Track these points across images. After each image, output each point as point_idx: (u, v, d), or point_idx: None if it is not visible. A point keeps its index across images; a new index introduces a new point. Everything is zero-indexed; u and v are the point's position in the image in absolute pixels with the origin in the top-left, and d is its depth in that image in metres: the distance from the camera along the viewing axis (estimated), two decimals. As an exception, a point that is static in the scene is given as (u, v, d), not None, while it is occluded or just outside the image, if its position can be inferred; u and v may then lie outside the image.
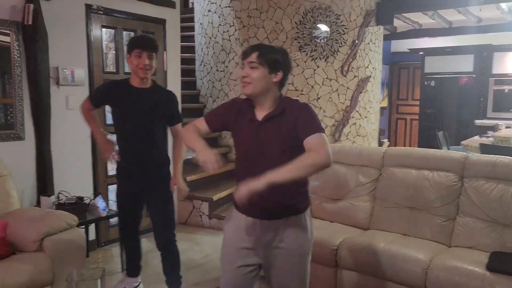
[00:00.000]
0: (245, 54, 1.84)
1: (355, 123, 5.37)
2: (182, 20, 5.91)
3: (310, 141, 1.73)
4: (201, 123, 1.96)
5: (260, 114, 1.85)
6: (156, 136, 2.70)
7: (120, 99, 2.67)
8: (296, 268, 1.93)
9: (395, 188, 3.10)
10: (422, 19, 7.18)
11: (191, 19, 6.13)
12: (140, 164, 2.70)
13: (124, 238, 3.00)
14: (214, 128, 1.96)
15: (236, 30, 5.18)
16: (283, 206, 1.87)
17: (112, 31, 3.89)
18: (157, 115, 2.66)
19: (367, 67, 5.43)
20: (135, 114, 2.63)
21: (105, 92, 2.77)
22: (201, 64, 5.70)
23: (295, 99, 1.92)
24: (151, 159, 2.71)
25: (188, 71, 5.83)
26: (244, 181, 1.70)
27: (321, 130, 1.79)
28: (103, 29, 3.79)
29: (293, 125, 1.80)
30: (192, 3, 7.06)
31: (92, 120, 2.84)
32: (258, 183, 1.64)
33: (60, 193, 3.28)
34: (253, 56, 1.80)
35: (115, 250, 3.78)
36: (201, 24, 5.65)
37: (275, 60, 1.81)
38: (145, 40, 2.65)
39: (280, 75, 1.83)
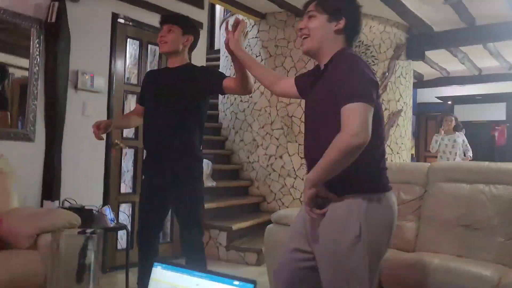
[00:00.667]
0: (305, 6, 1.62)
1: (386, 158, 5.00)
2: (208, 60, 5.89)
3: (343, 115, 1.39)
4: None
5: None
6: (181, 120, 2.29)
7: (150, 85, 2.44)
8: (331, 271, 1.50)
9: (444, 205, 2.69)
10: (451, 65, 7.03)
11: (217, 59, 6.10)
12: (160, 153, 2.32)
13: (141, 245, 2.50)
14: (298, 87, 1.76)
15: (262, 60, 5.06)
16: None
17: (137, 42, 3.79)
18: (183, 95, 2.28)
19: (398, 101, 5.18)
20: (156, 96, 2.34)
21: (142, 87, 2.57)
22: (224, 97, 5.55)
23: (349, 52, 1.55)
24: (173, 147, 2.28)
25: (211, 105, 5.67)
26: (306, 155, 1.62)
27: (357, 96, 1.38)
28: (128, 40, 3.68)
29: (333, 82, 1.47)
30: (218, 45, 7.12)
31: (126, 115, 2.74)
32: (305, 194, 1.44)
33: (66, 200, 2.96)
34: (312, 5, 1.57)
35: (121, 277, 3.36)
36: (226, 56, 5.58)
37: (335, 4, 1.56)
38: (165, 14, 2.54)
39: (342, 23, 1.54)
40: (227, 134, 5.41)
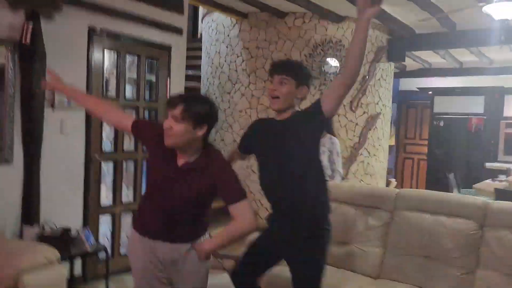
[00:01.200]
0: (170, 105, 1.79)
1: (363, 161, 5.15)
2: (190, 49, 5.83)
3: (235, 209, 1.81)
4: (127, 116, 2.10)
5: (180, 161, 1.85)
6: (299, 172, 2.09)
7: (261, 136, 2.23)
8: None
9: (408, 234, 2.84)
10: (433, 58, 7.09)
11: (199, 49, 6.05)
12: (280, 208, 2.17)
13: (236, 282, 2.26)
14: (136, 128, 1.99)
15: (243, 61, 5.06)
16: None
17: (115, 55, 3.75)
18: (297, 145, 2.09)
19: (377, 103, 5.26)
20: (270, 151, 2.15)
21: (250, 134, 2.34)
22: (206, 94, 5.55)
23: (217, 151, 1.91)
24: (292, 202, 2.10)
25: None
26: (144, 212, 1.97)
27: (244, 195, 1.83)
28: (106, 53, 3.65)
29: (211, 183, 1.83)
30: (201, 34, 7.02)
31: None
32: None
33: (45, 223, 3.03)
34: (179, 110, 1.76)
35: (102, 287, 3.49)
36: (208, 53, 5.55)
37: (199, 114, 1.77)
38: (277, 62, 2.20)
39: (205, 128, 1.81)
40: (208, 132, 5.46)
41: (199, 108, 1.76)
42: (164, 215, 1.87)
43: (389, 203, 3.03)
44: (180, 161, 1.85)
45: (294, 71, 2.10)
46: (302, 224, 2.09)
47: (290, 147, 2.09)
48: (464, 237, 2.65)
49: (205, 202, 1.91)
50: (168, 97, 4.08)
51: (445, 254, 2.67)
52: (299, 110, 2.18)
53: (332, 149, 3.61)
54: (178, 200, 1.84)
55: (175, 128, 1.75)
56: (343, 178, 3.80)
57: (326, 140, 3.56)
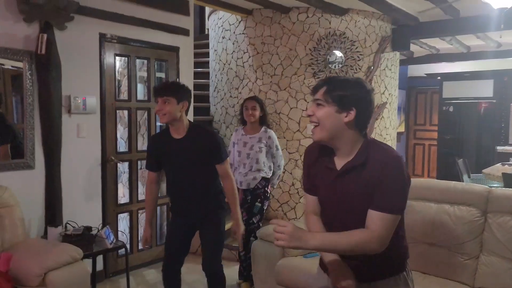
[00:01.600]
0: (314, 90, 1.56)
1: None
2: (198, 46, 5.95)
3: (374, 218, 1.46)
4: (310, 202, 1.70)
5: (339, 163, 1.56)
6: (201, 183, 2.69)
7: (163, 154, 2.70)
8: None
9: (413, 223, 2.93)
10: (440, 44, 7.08)
11: (207, 45, 6.16)
12: (191, 210, 2.74)
13: (165, 269, 2.81)
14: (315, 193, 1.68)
15: (250, 57, 5.16)
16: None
17: (125, 59, 3.90)
18: (196, 163, 2.64)
19: (383, 93, 5.32)
20: (175, 165, 2.68)
21: (151, 154, 2.79)
22: (214, 90, 5.68)
23: (384, 146, 1.57)
24: (202, 205, 2.70)
25: (202, 97, 5.82)
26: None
27: (396, 210, 1.48)
28: (117, 57, 3.79)
29: (374, 184, 1.47)
30: (208, 29, 7.12)
31: (149, 205, 2.89)
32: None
33: (67, 223, 3.22)
34: (320, 93, 1.52)
35: (123, 281, 3.68)
36: (215, 50, 5.66)
37: (343, 96, 1.49)
38: (158, 86, 2.72)
39: (352, 114, 1.49)
40: (218, 127, 5.59)
41: (343, 90, 1.50)
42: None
43: (394, 193, 3.13)
44: (339, 164, 1.57)
45: (169, 92, 2.55)
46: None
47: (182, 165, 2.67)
48: (468, 224, 2.74)
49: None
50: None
51: (449, 241, 2.77)
52: (196, 128, 2.69)
53: (270, 143, 3.55)
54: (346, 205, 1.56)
55: (317, 113, 1.51)
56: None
57: (262, 135, 3.52)
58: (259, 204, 3.57)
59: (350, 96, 1.49)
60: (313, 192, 1.69)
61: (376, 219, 1.46)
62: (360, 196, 1.50)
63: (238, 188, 3.13)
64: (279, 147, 3.64)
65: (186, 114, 2.65)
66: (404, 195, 1.52)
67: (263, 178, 3.56)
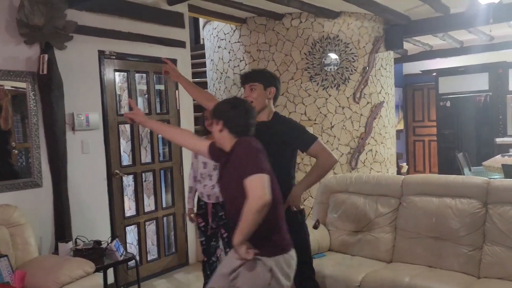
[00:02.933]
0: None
1: (371, 150, 5.29)
2: (194, 57, 6.03)
3: (247, 185, 1.82)
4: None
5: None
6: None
7: None
8: None
9: (416, 218, 3.01)
10: (433, 40, 7.16)
11: (203, 55, 6.23)
12: None
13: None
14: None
15: (246, 64, 5.23)
16: None
17: (125, 73, 3.98)
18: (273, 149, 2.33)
19: (380, 92, 5.39)
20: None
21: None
22: (214, 93, 5.75)
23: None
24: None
25: (201, 106, 5.85)
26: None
27: (256, 170, 1.83)
28: (116, 73, 3.87)
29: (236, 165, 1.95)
30: (203, 39, 7.21)
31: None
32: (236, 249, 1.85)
33: (77, 238, 3.27)
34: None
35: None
36: (212, 60, 5.74)
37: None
38: (244, 73, 2.61)
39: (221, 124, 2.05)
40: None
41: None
42: None
43: (396, 189, 3.20)
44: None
45: (254, 79, 2.51)
46: None
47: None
48: (469, 215, 2.81)
49: None
50: (177, 108, 4.29)
51: (453, 233, 2.83)
52: (280, 116, 2.58)
53: None
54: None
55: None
56: None
57: None
58: None
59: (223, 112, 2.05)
60: None
61: (248, 185, 1.85)
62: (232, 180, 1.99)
63: (206, 202, 3.11)
64: None
65: (275, 102, 2.55)
66: (255, 158, 1.91)
67: None
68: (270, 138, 2.33)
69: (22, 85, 3.21)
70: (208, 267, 3.18)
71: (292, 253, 2.02)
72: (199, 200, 3.18)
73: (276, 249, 1.96)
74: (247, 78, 2.51)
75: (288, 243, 2.02)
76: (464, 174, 5.62)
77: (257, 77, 2.50)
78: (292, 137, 2.46)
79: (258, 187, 1.79)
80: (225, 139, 2.03)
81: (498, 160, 5.61)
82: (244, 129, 2.03)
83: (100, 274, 3.22)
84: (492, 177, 4.67)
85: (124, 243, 3.74)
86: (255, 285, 1.92)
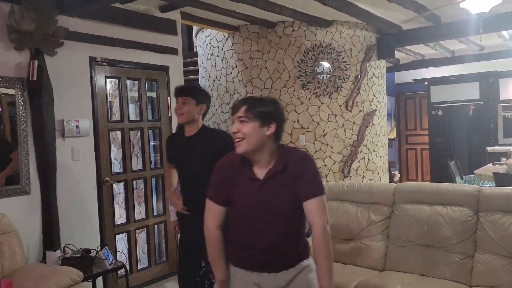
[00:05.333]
0: (234, 109, 1.74)
1: (363, 158, 5.30)
2: (188, 64, 6.02)
3: (312, 207, 1.70)
4: (217, 213, 1.79)
5: (260, 172, 1.73)
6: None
7: (175, 150, 2.78)
8: None
9: (408, 226, 2.99)
10: (424, 50, 7.23)
11: (196, 63, 6.23)
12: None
13: (180, 279, 2.82)
14: (224, 203, 1.80)
15: (239, 72, 5.24)
16: None
17: (116, 80, 3.95)
18: (204, 161, 2.53)
19: (372, 101, 5.41)
20: (184, 163, 2.69)
21: (172, 143, 2.86)
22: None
23: (293, 149, 1.84)
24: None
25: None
26: (243, 243, 1.75)
27: (323, 190, 1.73)
28: (107, 80, 3.85)
29: (297, 179, 1.72)
30: (196, 47, 7.21)
31: (169, 176, 2.94)
32: None
33: (66, 246, 3.22)
34: (242, 110, 1.71)
35: (124, 302, 3.67)
36: (204, 67, 5.73)
37: (264, 112, 1.70)
38: (179, 87, 2.76)
39: (273, 127, 1.71)
40: (212, 143, 5.63)
41: (262, 107, 1.71)
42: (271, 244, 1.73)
43: (388, 197, 3.19)
44: (261, 174, 1.73)
45: (188, 93, 2.62)
46: None
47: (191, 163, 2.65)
48: (461, 223, 2.80)
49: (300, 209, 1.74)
50: (169, 115, 4.27)
51: (444, 241, 2.82)
52: (208, 129, 2.77)
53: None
54: (278, 218, 1.72)
55: (242, 129, 1.68)
56: None
57: None
58: None
59: (270, 112, 1.71)
60: (224, 204, 1.79)
61: (314, 206, 1.70)
62: (287, 195, 1.72)
63: None
64: None
65: (203, 118, 2.71)
66: (320, 178, 1.79)
67: None
68: (198, 151, 2.57)
69: (11, 91, 3.18)
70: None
71: None
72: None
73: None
74: (182, 92, 2.65)
75: None
76: (456, 183, 5.64)
77: (191, 92, 2.65)
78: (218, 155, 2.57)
79: (326, 210, 1.72)
80: (269, 147, 1.72)
81: (489, 168, 5.64)
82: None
83: (89, 283, 3.17)
84: (484, 185, 4.68)
85: (114, 251, 3.69)
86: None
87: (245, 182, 1.74)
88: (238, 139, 1.71)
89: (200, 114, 2.64)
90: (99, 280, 3.49)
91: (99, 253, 3.14)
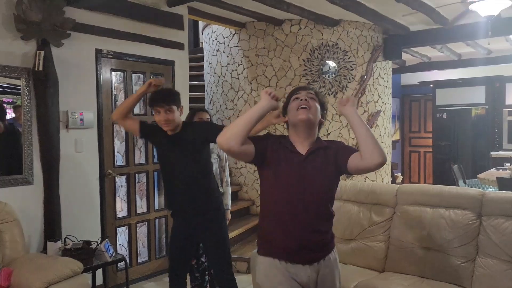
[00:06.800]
0: (305, 88, 2.00)
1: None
2: (193, 60, 6.03)
3: (356, 155, 1.84)
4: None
5: (302, 148, 1.89)
6: (197, 176, 2.63)
7: (160, 144, 2.70)
8: None
9: (410, 228, 2.98)
10: (431, 52, 7.20)
11: (202, 59, 6.23)
12: (189, 207, 2.66)
13: (171, 275, 2.79)
14: (256, 147, 1.84)
15: (244, 69, 5.23)
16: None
17: (122, 73, 3.95)
18: (192, 152, 2.59)
19: (377, 101, 5.40)
20: (173, 160, 2.63)
21: (156, 130, 2.65)
22: (210, 103, 5.74)
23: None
24: (199, 200, 2.63)
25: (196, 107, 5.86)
26: (281, 221, 1.84)
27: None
28: (113, 72, 3.84)
29: (335, 154, 1.90)
30: (202, 43, 7.21)
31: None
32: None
33: (67, 237, 3.23)
34: (312, 91, 1.97)
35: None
36: (210, 63, 5.73)
37: (323, 102, 1.99)
38: (157, 96, 2.56)
39: (324, 114, 2.00)
40: (215, 139, 5.62)
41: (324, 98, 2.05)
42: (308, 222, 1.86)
43: (390, 199, 3.17)
44: (303, 150, 1.88)
45: (171, 101, 2.55)
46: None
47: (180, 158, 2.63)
48: (463, 227, 2.78)
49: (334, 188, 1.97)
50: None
51: (446, 244, 2.80)
52: (188, 123, 2.78)
53: (221, 154, 3.33)
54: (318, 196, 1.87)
55: (311, 103, 1.89)
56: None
57: (213, 144, 2.91)
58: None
59: (325, 102, 2.02)
60: (256, 153, 1.84)
61: (357, 154, 1.85)
62: (327, 169, 1.88)
63: None
64: (227, 159, 3.43)
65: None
66: None
67: None
68: (187, 145, 2.56)
69: (17, 81, 3.18)
70: (196, 269, 3.18)
71: None
72: None
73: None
74: (164, 101, 2.51)
75: None
76: (458, 186, 5.62)
77: (174, 100, 2.57)
78: (204, 131, 2.59)
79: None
80: (315, 129, 1.95)
81: (493, 173, 5.61)
82: None
83: (89, 275, 3.17)
84: (487, 190, 4.66)
85: (114, 244, 3.69)
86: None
87: (288, 156, 1.87)
88: (305, 106, 1.86)
89: (180, 115, 2.62)
90: (99, 272, 3.51)
91: (99, 245, 3.14)
